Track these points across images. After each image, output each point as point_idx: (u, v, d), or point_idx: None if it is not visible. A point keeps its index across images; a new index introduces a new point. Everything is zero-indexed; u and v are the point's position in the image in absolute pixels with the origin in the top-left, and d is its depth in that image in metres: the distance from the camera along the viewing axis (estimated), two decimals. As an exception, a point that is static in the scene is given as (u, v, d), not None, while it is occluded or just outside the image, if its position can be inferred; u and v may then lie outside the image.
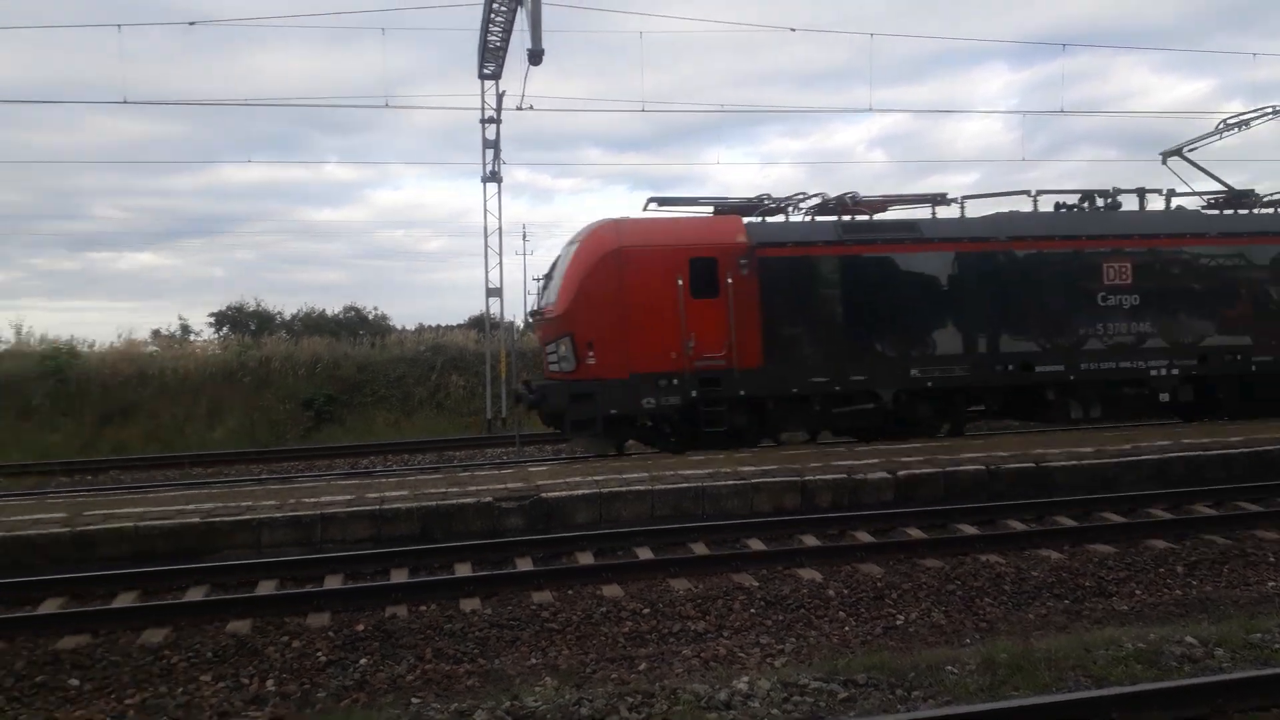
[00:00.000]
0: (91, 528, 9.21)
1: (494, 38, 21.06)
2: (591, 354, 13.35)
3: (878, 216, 14.72)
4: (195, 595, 8.10)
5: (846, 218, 14.55)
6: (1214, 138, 16.66)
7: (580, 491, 10.18)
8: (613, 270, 13.38)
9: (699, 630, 7.05)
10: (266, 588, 8.23)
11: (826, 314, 13.97)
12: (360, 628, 7.15)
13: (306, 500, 10.21)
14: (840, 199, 14.54)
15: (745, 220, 14.24)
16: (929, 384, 14.01)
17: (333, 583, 8.28)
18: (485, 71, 22.35)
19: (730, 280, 13.49)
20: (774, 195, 14.76)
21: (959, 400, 14.50)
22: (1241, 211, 15.85)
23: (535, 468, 13.28)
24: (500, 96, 22.36)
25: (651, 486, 10.33)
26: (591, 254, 13.63)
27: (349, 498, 10.25)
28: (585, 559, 8.88)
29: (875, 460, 11.74)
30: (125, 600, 8.03)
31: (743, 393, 13.55)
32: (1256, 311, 14.87)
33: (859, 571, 8.28)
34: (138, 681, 6.35)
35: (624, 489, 10.24)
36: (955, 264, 14.22)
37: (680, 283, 13.36)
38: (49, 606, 7.96)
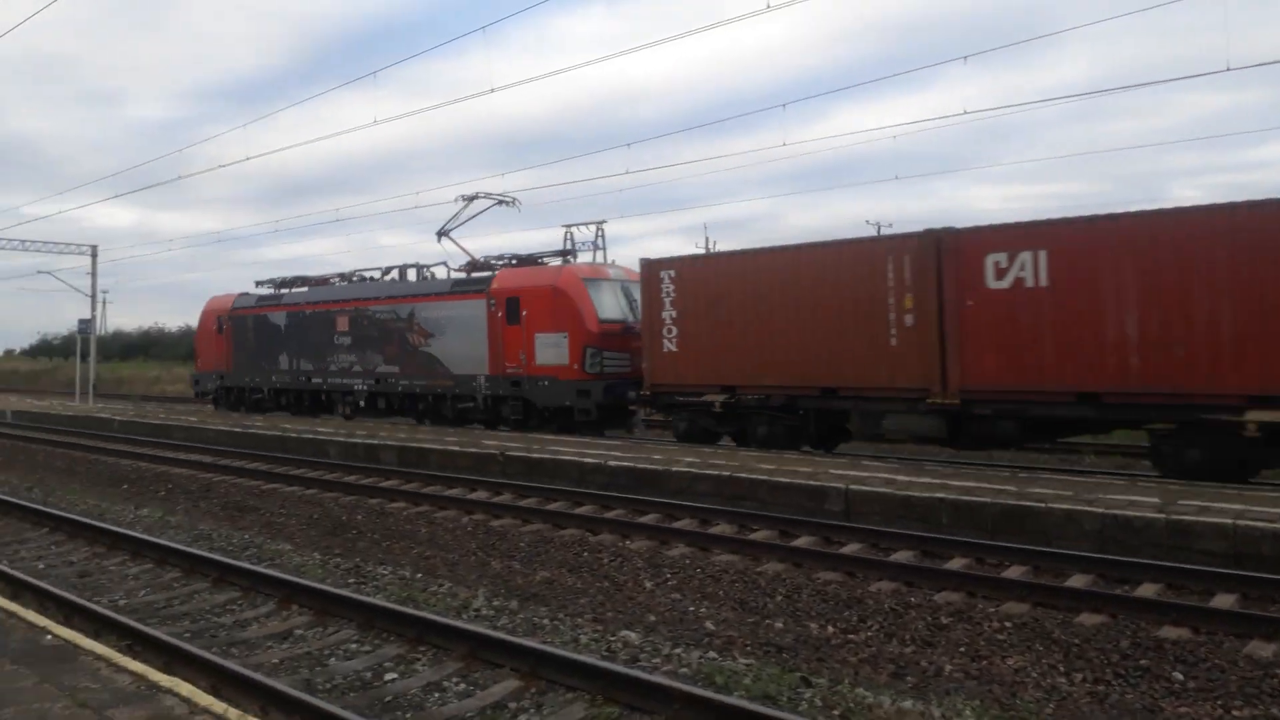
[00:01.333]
0: (1187, 518, 9.08)
1: None
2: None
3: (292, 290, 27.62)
4: (1308, 611, 7.25)
5: (268, 291, 28.23)
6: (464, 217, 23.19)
7: None
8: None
9: None
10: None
11: (251, 343, 27.61)
12: None
13: None
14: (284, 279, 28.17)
15: (238, 293, 29.04)
16: (279, 386, 26.70)
17: None
18: None
19: (222, 327, 28.71)
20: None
21: (289, 397, 26.75)
22: (412, 278, 23.89)
23: None
24: None
25: None
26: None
27: None
28: None
29: None
30: (1225, 602, 7.68)
31: (230, 385, 28.50)
32: (401, 350, 22.69)
33: None
34: (1245, 695, 5.95)
35: None
36: (287, 317, 26.42)
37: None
38: (1146, 591, 8.12)
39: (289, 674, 6.42)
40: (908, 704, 5.81)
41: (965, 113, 19.57)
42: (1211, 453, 12.31)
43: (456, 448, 16.62)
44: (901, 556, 9.55)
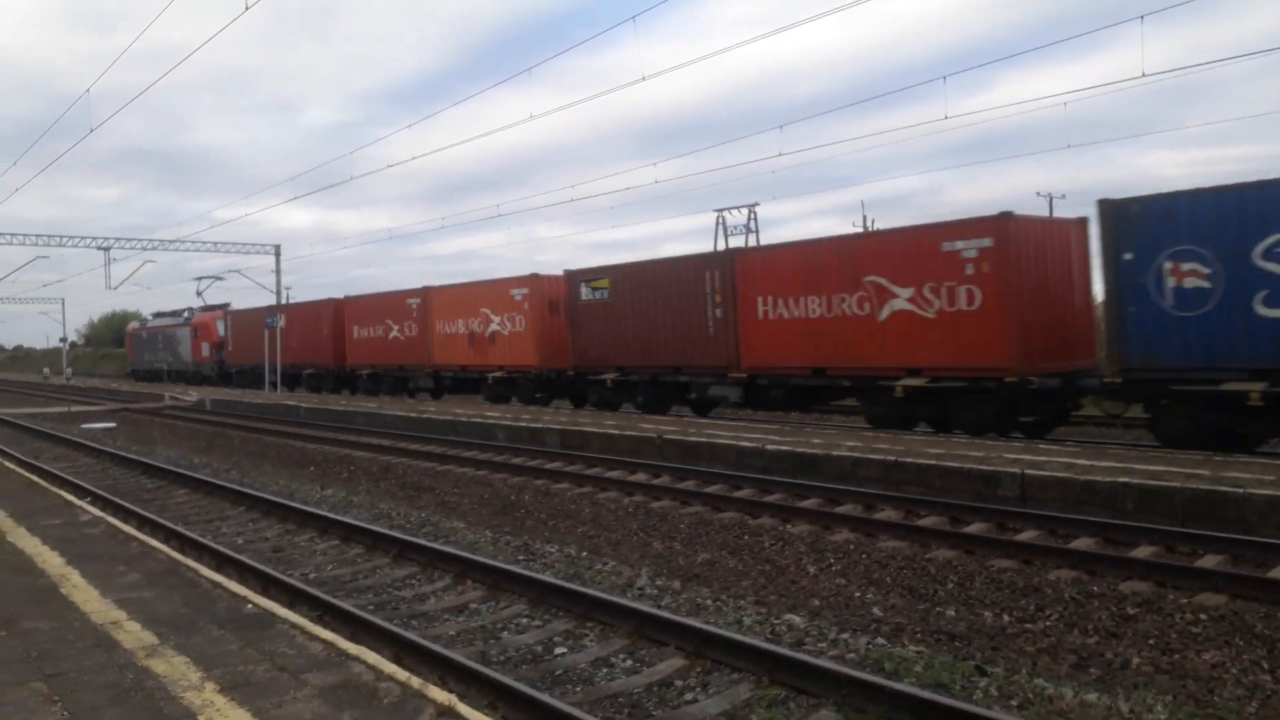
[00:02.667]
0: None
1: None
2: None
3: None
4: None
5: None
6: None
7: None
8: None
9: None
10: None
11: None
12: None
13: None
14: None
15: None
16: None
17: None
18: None
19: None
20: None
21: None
22: None
23: None
24: None
25: None
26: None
27: None
28: None
29: None
30: None
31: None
32: None
33: None
34: None
35: None
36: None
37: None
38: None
39: (465, 646, 6.70)
40: (1092, 696, 5.51)
41: (1144, 76, 18.20)
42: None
43: (615, 431, 16.90)
44: (1082, 544, 9.06)
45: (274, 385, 36.82)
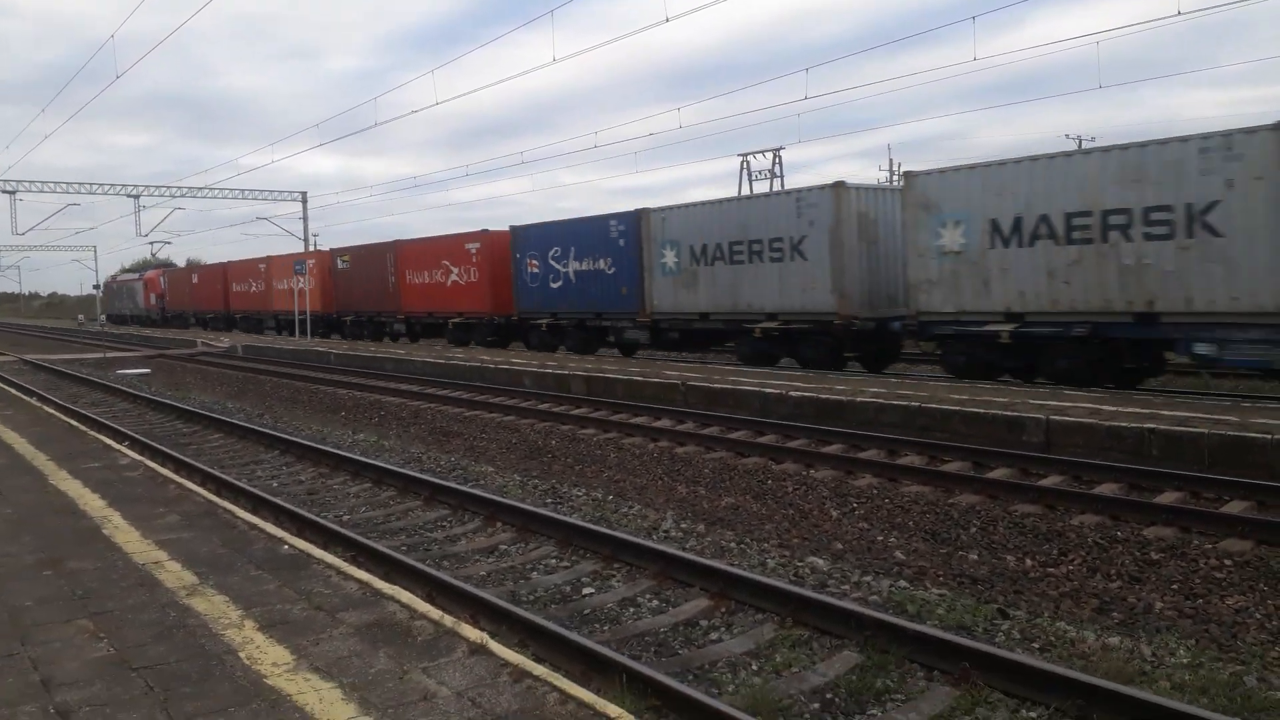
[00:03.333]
0: None
1: None
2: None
3: None
4: None
5: None
6: None
7: None
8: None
9: None
10: None
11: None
12: None
13: None
14: None
15: None
16: None
17: None
18: None
19: None
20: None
21: None
22: None
23: None
24: None
25: None
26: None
27: None
28: None
29: None
30: None
31: None
32: None
33: None
34: None
35: None
36: None
37: None
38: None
39: (495, 585, 6.86)
40: (1114, 640, 5.58)
41: (1179, 14, 17.64)
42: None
43: (640, 378, 16.98)
44: (1106, 489, 9.07)
45: (304, 331, 37.23)
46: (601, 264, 24.47)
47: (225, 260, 49.62)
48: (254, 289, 44.36)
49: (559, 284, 25.86)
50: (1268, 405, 11.72)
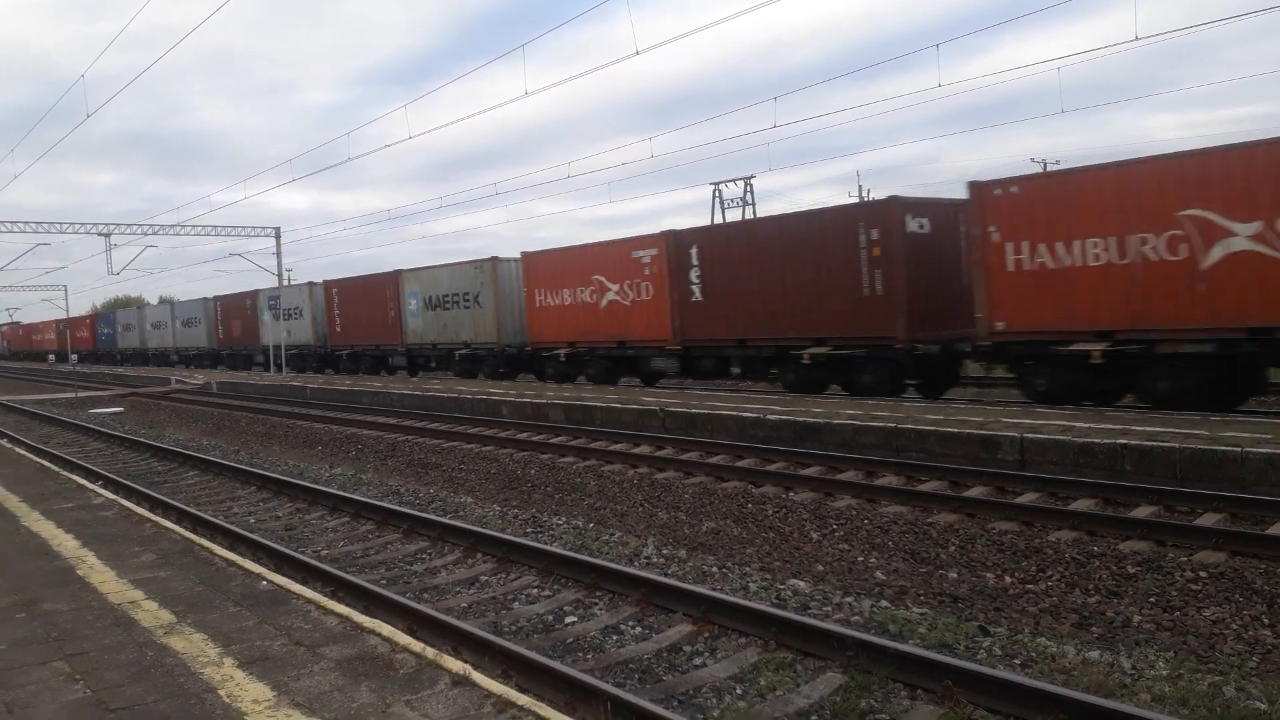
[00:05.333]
0: None
1: None
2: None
3: None
4: None
5: None
6: None
7: None
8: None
9: None
10: None
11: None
12: None
13: None
14: None
15: None
16: None
17: None
18: None
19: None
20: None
21: None
22: None
23: None
24: None
25: None
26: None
27: None
28: None
29: None
30: None
31: None
32: None
33: None
34: None
35: None
36: None
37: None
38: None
39: (477, 617, 6.82)
40: (1094, 654, 5.62)
41: (1136, 39, 18.12)
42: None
43: (619, 405, 16.99)
44: (1082, 505, 9.16)
45: (278, 367, 36.94)
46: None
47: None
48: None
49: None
50: (1236, 419, 11.89)
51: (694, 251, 21.02)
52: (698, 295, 20.93)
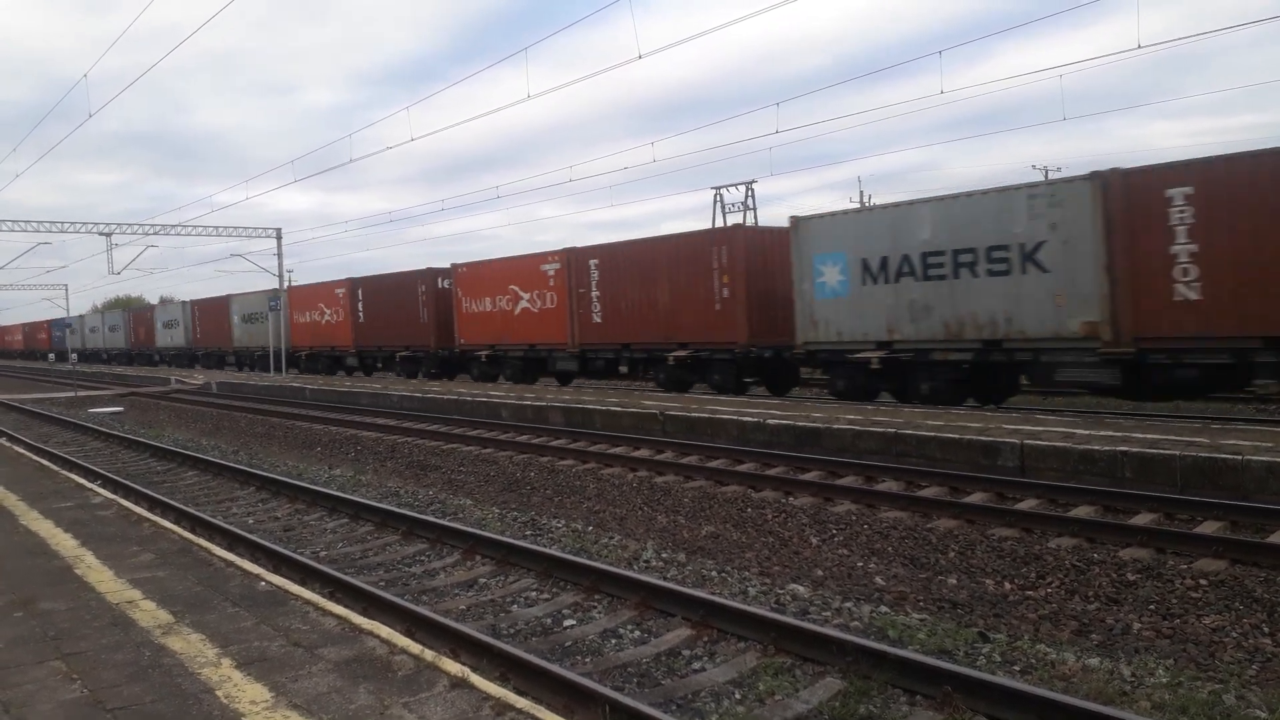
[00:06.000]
0: None
1: None
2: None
3: None
4: None
5: None
6: None
7: None
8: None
9: None
10: None
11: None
12: None
13: None
14: None
15: None
16: None
17: None
18: None
19: None
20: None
21: None
22: None
23: None
24: None
25: None
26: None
27: None
28: None
29: None
30: None
31: None
32: None
33: None
34: None
35: None
36: None
37: None
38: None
39: (475, 619, 6.81)
40: (1094, 661, 5.61)
41: (1140, 47, 18.11)
42: None
43: (619, 408, 16.98)
44: (1082, 512, 9.15)
45: (278, 368, 36.94)
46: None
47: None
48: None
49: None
50: (1237, 427, 11.88)
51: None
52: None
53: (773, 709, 5.10)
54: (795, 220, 18.58)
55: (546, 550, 8.24)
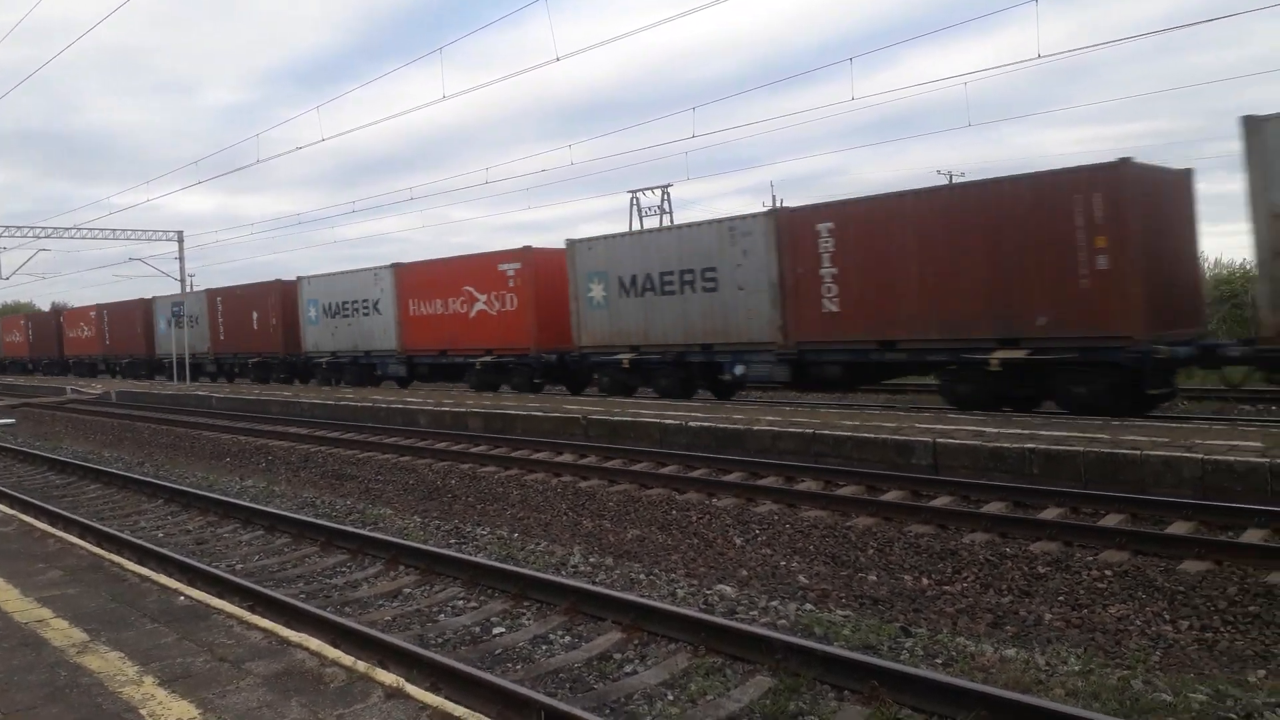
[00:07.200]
0: (1291, 462, 8.83)
1: None
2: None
3: None
4: None
5: None
6: None
7: None
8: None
9: None
10: None
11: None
12: None
13: None
14: None
15: None
16: None
17: None
18: None
19: None
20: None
21: None
22: None
23: None
24: None
25: None
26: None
27: None
28: None
29: None
30: (1338, 545, 7.48)
31: None
32: None
33: None
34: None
35: None
36: None
37: None
38: (1253, 537, 7.94)
39: (402, 630, 6.71)
40: (1010, 652, 5.84)
41: (1040, 57, 18.97)
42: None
43: (540, 413, 16.92)
44: (994, 508, 9.49)
45: (181, 377, 35.69)
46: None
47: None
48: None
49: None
50: (1134, 424, 12.47)
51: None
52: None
53: (705, 709, 5.17)
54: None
55: (472, 558, 8.17)
